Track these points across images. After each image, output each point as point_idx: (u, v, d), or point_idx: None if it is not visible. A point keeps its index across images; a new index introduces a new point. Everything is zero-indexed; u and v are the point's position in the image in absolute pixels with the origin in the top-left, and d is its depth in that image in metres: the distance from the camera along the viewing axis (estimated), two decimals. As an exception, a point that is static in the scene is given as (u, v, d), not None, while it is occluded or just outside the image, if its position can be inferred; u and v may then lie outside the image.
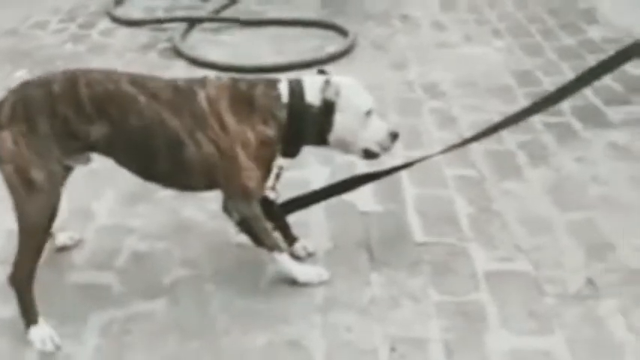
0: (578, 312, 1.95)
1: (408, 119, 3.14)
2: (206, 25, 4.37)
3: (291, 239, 2.22)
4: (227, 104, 1.92)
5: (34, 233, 1.85)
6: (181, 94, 1.92)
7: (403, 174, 2.66)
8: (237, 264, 2.20)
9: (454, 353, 1.81)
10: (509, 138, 2.93)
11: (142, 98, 1.89)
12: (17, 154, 1.80)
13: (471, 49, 4.04)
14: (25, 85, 1.87)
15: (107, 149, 1.93)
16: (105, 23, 4.46)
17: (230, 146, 1.91)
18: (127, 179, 2.61)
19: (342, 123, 1.98)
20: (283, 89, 1.96)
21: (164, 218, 2.43)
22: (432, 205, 2.48)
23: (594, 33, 4.13)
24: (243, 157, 1.92)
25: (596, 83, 3.34)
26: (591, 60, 3.44)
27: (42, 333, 1.86)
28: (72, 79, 1.87)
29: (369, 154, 2.07)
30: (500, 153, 2.83)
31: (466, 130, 2.98)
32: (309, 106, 1.96)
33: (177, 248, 2.27)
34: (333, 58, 3.75)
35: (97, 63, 3.69)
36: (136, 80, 1.93)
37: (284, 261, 2.06)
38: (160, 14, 4.64)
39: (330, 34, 4.22)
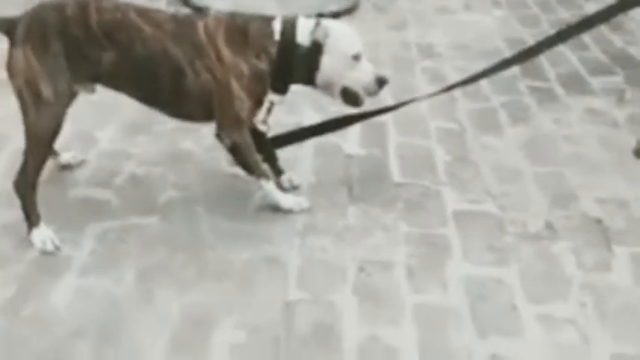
0: (533, 249, 2.12)
1: (400, 75, 3.29)
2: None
3: (277, 171, 2.39)
4: (223, 37, 2.05)
5: (39, 143, 2.01)
6: (182, 25, 2.06)
7: (389, 123, 2.83)
8: (226, 190, 2.38)
9: (415, 276, 2.00)
10: (493, 97, 3.09)
11: (146, 28, 2.03)
12: (28, 69, 1.95)
13: (469, 16, 4.18)
14: (41, 7, 2.02)
15: (114, 76, 2.07)
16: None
17: (224, 76, 2.05)
18: (130, 111, 2.80)
19: (328, 64, 2.09)
20: (276, 27, 2.09)
21: (162, 147, 2.60)
22: (413, 151, 2.65)
23: (590, 7, 4.25)
24: (236, 87, 2.06)
25: (584, 53, 3.51)
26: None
27: (43, 235, 2.05)
28: (83, 4, 2.02)
29: (350, 98, 2.16)
30: (484, 110, 2.99)
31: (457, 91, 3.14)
32: (299, 46, 2.08)
33: (172, 174, 2.45)
34: (333, 15, 3.88)
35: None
36: (142, 11, 2.07)
37: (270, 189, 2.23)
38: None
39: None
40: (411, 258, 2.07)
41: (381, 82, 2.13)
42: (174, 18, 2.09)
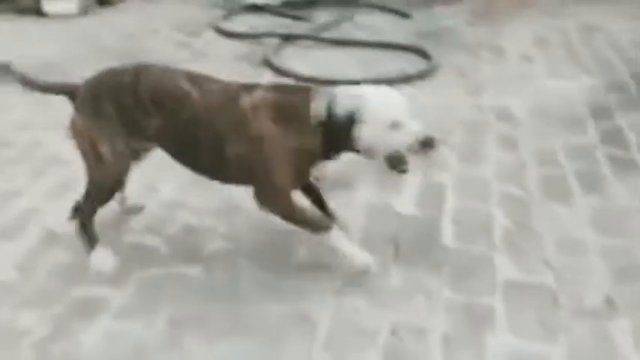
0: (588, 326, 1.95)
1: (470, 138, 3.21)
2: (302, 42, 4.64)
3: (329, 213, 2.33)
4: (268, 111, 2.03)
5: (97, 194, 2.19)
6: (229, 94, 2.07)
7: (449, 185, 2.74)
8: (272, 244, 2.38)
9: (451, 345, 1.88)
10: (567, 164, 2.93)
11: (194, 94, 2.06)
12: (87, 132, 2.11)
13: (554, 82, 4.03)
14: (101, 74, 2.15)
15: (161, 141, 2.15)
16: (210, 34, 4.86)
17: (265, 151, 2.03)
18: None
19: (366, 133, 2.01)
20: (320, 100, 2.04)
21: (216, 200, 2.65)
22: (470, 216, 2.54)
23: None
24: (277, 162, 2.04)
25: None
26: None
27: (99, 256, 2.20)
28: (136, 71, 2.11)
29: (394, 162, 2.07)
30: (554, 177, 2.84)
31: (526, 154, 3.02)
32: (337, 117, 2.01)
33: (222, 225, 2.48)
34: (410, 78, 3.88)
35: (195, 68, 4.05)
36: (194, 77, 2.11)
37: (334, 241, 2.14)
38: (261, 30, 4.98)
39: (417, 58, 4.36)
40: (449, 326, 1.96)
41: (425, 143, 2.01)
42: (225, 87, 2.11)
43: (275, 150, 2.03)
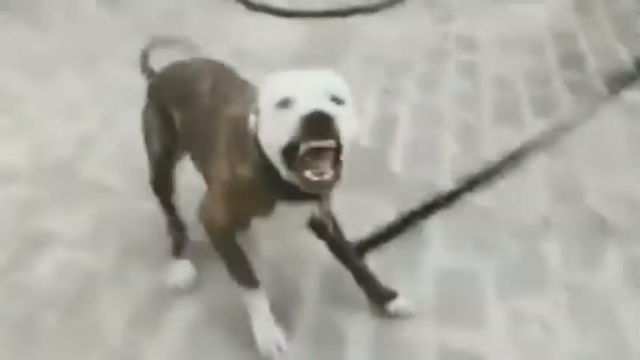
0: (522, 245, 2.02)
1: (430, 68, 3.22)
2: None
3: (384, 295, 1.78)
4: (227, 131, 1.61)
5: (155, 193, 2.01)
6: (225, 100, 1.69)
7: (403, 115, 2.78)
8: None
9: (387, 262, 1.96)
10: (523, 88, 2.96)
11: (206, 92, 1.75)
12: (145, 122, 1.96)
13: (521, 6, 4.00)
14: (165, 67, 1.95)
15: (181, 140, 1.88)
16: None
17: (214, 179, 1.65)
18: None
19: (261, 131, 1.45)
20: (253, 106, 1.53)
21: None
22: (421, 144, 2.59)
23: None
24: (218, 196, 1.62)
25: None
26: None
27: (178, 268, 1.96)
28: (175, 67, 1.90)
29: (291, 160, 1.38)
30: (509, 102, 2.87)
31: (483, 80, 3.04)
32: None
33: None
34: (375, 9, 3.86)
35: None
36: (216, 80, 1.77)
37: (254, 305, 1.68)
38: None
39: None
40: (386, 244, 2.03)
41: (305, 122, 1.31)
42: (226, 92, 1.72)
43: (232, 182, 1.58)
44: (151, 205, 2.28)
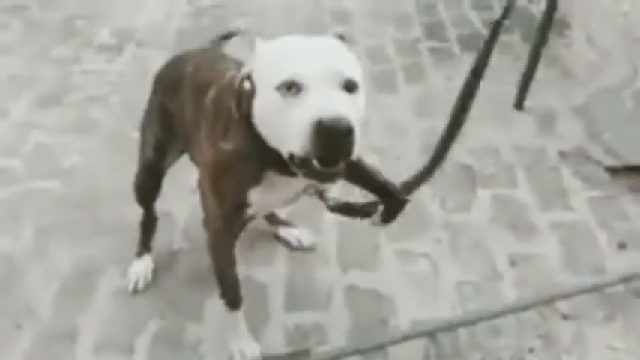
0: (405, 195, 2.33)
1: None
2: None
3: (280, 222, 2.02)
4: (208, 108, 1.49)
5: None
6: (207, 83, 1.54)
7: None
8: (129, 156, 2.53)
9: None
10: (394, 58, 3.27)
11: (188, 82, 1.63)
12: (143, 123, 1.87)
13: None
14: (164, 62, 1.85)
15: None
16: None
17: (201, 165, 1.56)
18: (42, 84, 2.94)
19: (257, 109, 1.30)
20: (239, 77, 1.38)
21: (70, 118, 2.75)
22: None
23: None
24: (206, 182, 1.51)
25: (486, 14, 3.68)
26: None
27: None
28: (171, 60, 1.83)
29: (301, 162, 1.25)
30: (384, 71, 3.17)
31: (359, 52, 3.31)
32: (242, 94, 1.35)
33: (77, 142, 2.60)
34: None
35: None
36: (199, 62, 1.68)
37: (233, 321, 1.74)
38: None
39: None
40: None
41: (319, 130, 1.16)
42: (209, 74, 1.57)
43: (204, 167, 1.51)
44: (54, 184, 2.35)
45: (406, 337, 1.78)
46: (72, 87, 2.97)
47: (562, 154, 2.49)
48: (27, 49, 3.32)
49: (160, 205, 2.03)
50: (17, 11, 3.74)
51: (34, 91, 2.93)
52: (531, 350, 1.76)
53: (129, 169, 2.42)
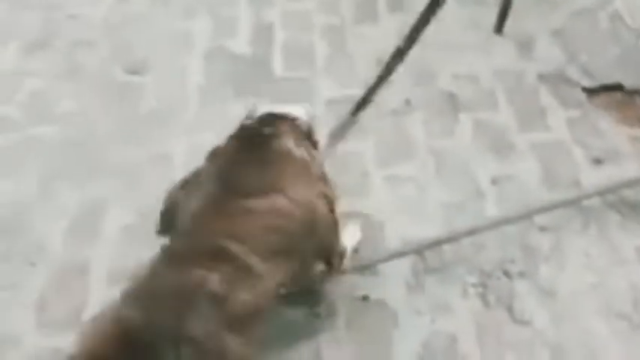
0: (391, 123, 2.42)
1: None
2: None
3: None
4: None
5: None
6: None
7: (277, 21, 3.02)
8: (119, 99, 2.60)
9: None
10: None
11: None
12: None
13: None
14: None
15: None
16: None
17: None
18: (28, 31, 2.96)
19: None
20: None
21: (59, 62, 2.79)
22: (296, 46, 2.87)
23: None
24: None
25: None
26: None
27: None
28: None
29: None
30: (365, 2, 3.20)
31: None
32: None
33: (69, 85, 2.65)
34: None
35: None
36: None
37: None
38: None
39: None
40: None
41: None
42: None
43: None
44: (52, 129, 2.43)
45: (395, 255, 1.92)
46: (58, 32, 2.99)
47: (541, 77, 2.57)
48: (8, -4, 3.32)
49: (157, 149, 2.10)
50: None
51: (20, 38, 2.95)
52: (512, 261, 1.91)
53: (124, 111, 2.52)
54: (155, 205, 2.08)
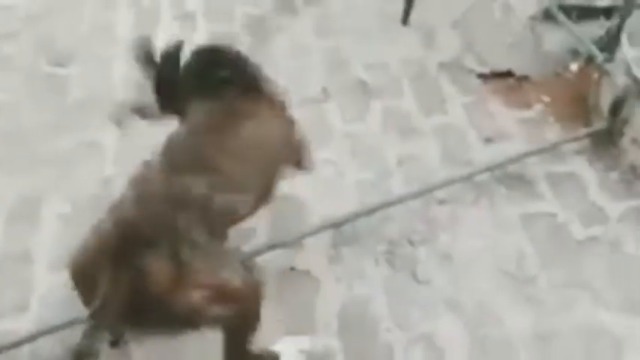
0: (309, 111, 2.64)
1: None
2: None
3: None
4: None
5: None
6: None
7: (199, 13, 3.17)
8: (47, 88, 2.70)
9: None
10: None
11: None
12: None
13: None
14: None
15: None
16: None
17: None
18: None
19: None
20: None
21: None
22: (217, 37, 3.03)
23: None
24: None
25: None
26: None
27: None
28: None
29: None
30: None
31: None
32: None
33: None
34: None
35: None
36: None
37: None
38: None
39: None
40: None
41: None
42: None
43: None
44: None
45: (317, 230, 2.16)
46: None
47: (441, 65, 2.86)
48: None
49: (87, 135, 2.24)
50: None
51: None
52: (416, 231, 2.19)
53: (51, 102, 2.63)
54: (91, 194, 2.24)
